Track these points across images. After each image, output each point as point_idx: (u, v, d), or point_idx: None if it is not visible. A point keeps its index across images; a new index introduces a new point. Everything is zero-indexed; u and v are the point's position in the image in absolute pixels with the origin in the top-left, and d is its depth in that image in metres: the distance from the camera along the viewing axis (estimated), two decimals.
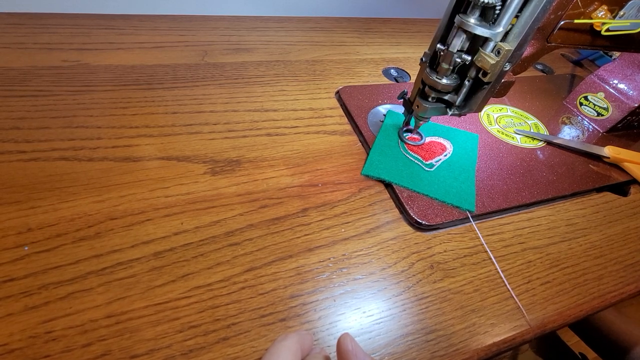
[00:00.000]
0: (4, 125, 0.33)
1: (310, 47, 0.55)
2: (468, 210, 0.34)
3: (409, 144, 0.40)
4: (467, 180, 0.37)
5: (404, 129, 0.40)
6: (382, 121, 0.42)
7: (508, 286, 0.30)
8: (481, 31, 0.27)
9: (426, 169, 0.37)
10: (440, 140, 0.42)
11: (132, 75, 0.42)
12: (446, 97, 0.34)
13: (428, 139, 0.41)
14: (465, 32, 0.28)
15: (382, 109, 0.44)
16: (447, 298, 0.28)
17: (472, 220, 0.34)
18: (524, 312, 0.28)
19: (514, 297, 0.29)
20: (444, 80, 0.31)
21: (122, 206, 0.29)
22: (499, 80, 0.30)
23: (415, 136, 0.41)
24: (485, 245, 0.32)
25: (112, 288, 0.24)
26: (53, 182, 0.29)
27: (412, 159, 0.38)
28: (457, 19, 0.28)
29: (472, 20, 0.27)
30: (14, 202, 0.28)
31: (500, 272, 0.30)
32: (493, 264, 0.31)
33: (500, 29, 0.27)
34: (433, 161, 0.38)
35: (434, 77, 0.32)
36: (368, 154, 0.38)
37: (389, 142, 0.39)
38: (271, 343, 0.19)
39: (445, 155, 0.39)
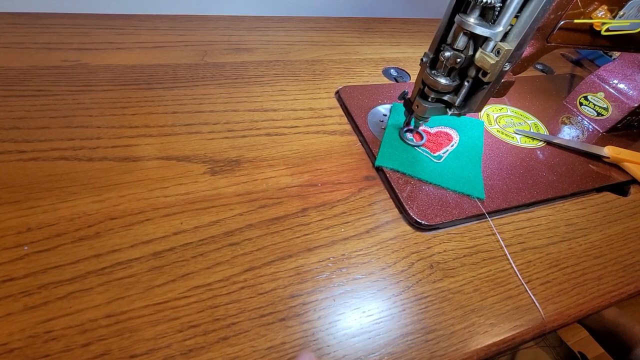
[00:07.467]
0: (4, 125, 0.33)
1: (310, 47, 0.55)
2: (478, 198, 0.35)
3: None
4: (474, 169, 0.38)
5: (405, 129, 0.40)
6: (382, 120, 0.42)
7: (522, 281, 0.30)
8: (481, 30, 0.27)
9: (435, 160, 0.38)
10: (447, 129, 0.42)
11: (132, 75, 0.42)
12: (446, 97, 0.34)
13: (435, 129, 0.42)
14: (465, 31, 0.28)
15: (382, 108, 0.44)
16: (446, 298, 0.28)
17: (488, 217, 0.34)
18: (537, 306, 0.28)
19: (528, 291, 0.29)
20: (445, 81, 0.31)
21: (121, 206, 0.29)
22: (498, 80, 0.30)
23: (417, 136, 0.41)
24: (501, 241, 0.33)
25: (111, 288, 0.24)
26: (52, 182, 0.29)
27: (421, 151, 0.39)
28: (457, 18, 0.28)
29: (472, 19, 0.27)
30: (13, 201, 0.28)
31: (514, 266, 0.31)
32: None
33: (500, 29, 0.27)
34: (441, 152, 0.39)
35: (435, 78, 0.32)
36: (380, 146, 0.38)
37: (398, 134, 0.40)
38: None
39: (452, 146, 0.40)
